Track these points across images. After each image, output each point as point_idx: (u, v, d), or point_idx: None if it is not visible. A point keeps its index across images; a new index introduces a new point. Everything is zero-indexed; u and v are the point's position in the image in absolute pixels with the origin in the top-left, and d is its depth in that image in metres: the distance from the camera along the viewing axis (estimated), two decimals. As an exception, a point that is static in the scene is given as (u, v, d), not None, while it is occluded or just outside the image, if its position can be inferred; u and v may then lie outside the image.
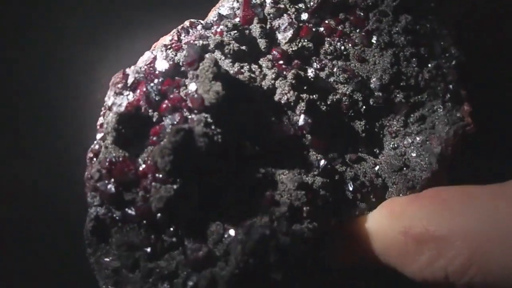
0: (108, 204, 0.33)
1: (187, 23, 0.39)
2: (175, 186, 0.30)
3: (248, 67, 0.36)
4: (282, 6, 0.40)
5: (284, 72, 0.37)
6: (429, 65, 0.41)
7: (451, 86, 0.41)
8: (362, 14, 0.41)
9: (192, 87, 0.33)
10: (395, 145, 0.41)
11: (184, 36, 0.39)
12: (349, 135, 0.40)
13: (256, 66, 0.37)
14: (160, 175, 0.30)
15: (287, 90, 0.36)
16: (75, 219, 0.46)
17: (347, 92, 0.39)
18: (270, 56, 0.38)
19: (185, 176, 0.30)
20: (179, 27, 0.39)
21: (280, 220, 0.31)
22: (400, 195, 0.38)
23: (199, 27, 0.39)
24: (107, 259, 0.33)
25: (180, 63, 0.36)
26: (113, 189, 0.32)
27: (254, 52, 0.38)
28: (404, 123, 0.41)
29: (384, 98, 0.40)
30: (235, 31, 0.37)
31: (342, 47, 0.41)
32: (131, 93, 0.35)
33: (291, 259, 0.31)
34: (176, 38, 0.38)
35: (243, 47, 0.37)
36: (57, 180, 0.49)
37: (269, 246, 0.30)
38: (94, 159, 0.35)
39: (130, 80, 0.35)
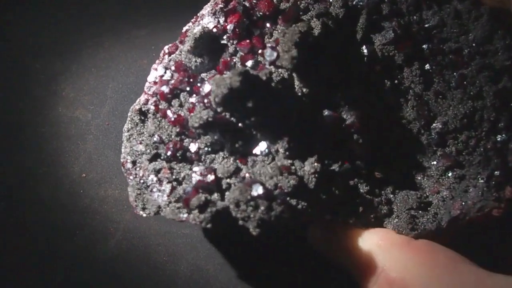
0: (158, 98, 0.39)
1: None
2: (212, 114, 0.35)
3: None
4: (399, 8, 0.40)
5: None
6: (499, 137, 0.39)
7: (506, 169, 0.39)
8: (469, 53, 0.39)
9: (275, 41, 0.37)
10: (421, 185, 0.40)
11: None
12: (387, 155, 0.40)
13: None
14: (207, 100, 0.36)
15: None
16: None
17: (410, 117, 0.40)
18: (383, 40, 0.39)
19: (229, 112, 0.35)
20: None
21: (281, 193, 0.34)
22: (397, 230, 0.38)
23: None
24: (135, 141, 0.39)
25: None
26: (167, 90, 0.39)
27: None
28: (442, 172, 0.40)
29: (436, 142, 0.40)
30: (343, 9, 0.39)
31: (429, 76, 0.40)
32: (223, 18, 0.39)
33: (272, 223, 0.34)
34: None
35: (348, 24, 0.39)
36: (18, 194, 0.48)
37: (259, 204, 0.33)
38: (166, 56, 0.40)
39: (229, 7, 0.39)
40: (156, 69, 0.40)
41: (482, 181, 0.39)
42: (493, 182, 0.38)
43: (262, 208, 0.33)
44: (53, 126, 0.51)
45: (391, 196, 0.39)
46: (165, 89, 0.38)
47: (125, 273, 0.45)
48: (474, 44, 0.39)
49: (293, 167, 0.36)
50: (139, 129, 0.40)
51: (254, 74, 0.35)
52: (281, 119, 0.37)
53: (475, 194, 0.38)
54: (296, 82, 0.37)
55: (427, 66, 0.39)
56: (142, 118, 0.40)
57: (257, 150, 0.37)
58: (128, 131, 0.40)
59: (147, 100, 0.40)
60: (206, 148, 0.37)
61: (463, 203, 0.38)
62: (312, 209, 0.35)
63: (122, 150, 0.40)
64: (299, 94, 0.37)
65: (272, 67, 0.36)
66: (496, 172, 0.38)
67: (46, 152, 0.50)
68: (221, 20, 0.38)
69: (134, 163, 0.38)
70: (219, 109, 0.35)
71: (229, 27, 0.38)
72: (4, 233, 0.46)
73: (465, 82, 0.39)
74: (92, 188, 0.48)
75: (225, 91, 0.33)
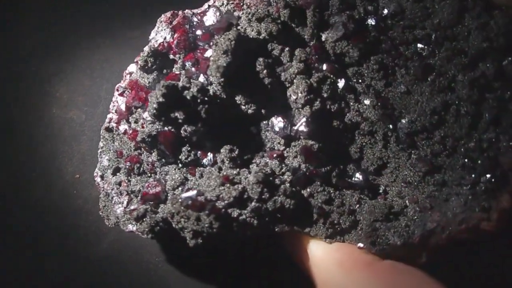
0: (118, 115, 0.41)
1: None
2: (156, 127, 0.37)
3: (279, 50, 0.37)
4: (351, 1, 0.37)
5: (313, 71, 0.37)
6: (484, 135, 0.33)
7: (498, 172, 0.32)
8: (436, 39, 0.34)
9: (209, 52, 0.38)
10: (393, 193, 0.36)
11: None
12: (352, 160, 0.37)
13: (288, 53, 0.37)
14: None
15: (300, 90, 0.35)
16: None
17: (371, 118, 0.36)
18: (307, 49, 0.37)
19: (168, 121, 0.36)
20: None
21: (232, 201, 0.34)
22: (360, 244, 0.34)
23: None
24: (104, 155, 0.41)
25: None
26: (124, 107, 0.41)
27: (295, 38, 0.38)
28: (420, 178, 0.35)
29: (405, 144, 0.35)
30: (288, 9, 0.37)
31: (390, 69, 0.36)
32: (170, 34, 0.40)
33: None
34: None
35: (287, 25, 0.37)
36: (11, 195, 0.49)
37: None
38: (128, 75, 0.42)
39: (175, 22, 0.40)
40: (117, 89, 0.42)
41: (466, 187, 0.33)
42: (481, 189, 0.32)
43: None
44: (47, 127, 0.51)
45: (357, 206, 0.35)
46: (122, 107, 0.41)
47: (118, 273, 0.46)
48: (440, 28, 0.33)
49: (238, 177, 0.35)
50: (108, 145, 0.42)
51: (181, 86, 0.36)
52: (221, 129, 0.37)
53: (457, 204, 0.32)
54: (230, 90, 0.37)
55: (389, 60, 0.35)
56: (110, 135, 0.42)
57: (205, 161, 0.37)
58: (101, 148, 0.42)
59: (111, 119, 0.42)
60: (159, 162, 0.38)
61: (442, 214, 0.32)
62: (258, 220, 0.34)
63: (96, 166, 0.42)
64: (239, 103, 0.37)
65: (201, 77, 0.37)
66: (483, 177, 0.32)
67: (40, 153, 0.50)
68: (168, 36, 0.40)
69: (102, 177, 0.41)
70: (158, 123, 0.37)
71: (175, 42, 0.39)
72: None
73: (434, 73, 0.34)
74: (85, 189, 0.49)
75: (155, 106, 0.35)
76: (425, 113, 0.34)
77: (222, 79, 0.36)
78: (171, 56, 0.40)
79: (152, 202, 0.37)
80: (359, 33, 0.36)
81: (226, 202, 0.34)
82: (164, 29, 0.40)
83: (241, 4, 0.39)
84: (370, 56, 0.36)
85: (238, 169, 0.36)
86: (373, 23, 0.36)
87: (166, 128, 0.37)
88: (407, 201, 0.34)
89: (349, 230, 0.35)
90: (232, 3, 0.39)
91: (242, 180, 0.35)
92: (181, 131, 0.36)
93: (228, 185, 0.34)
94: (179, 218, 0.34)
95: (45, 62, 0.53)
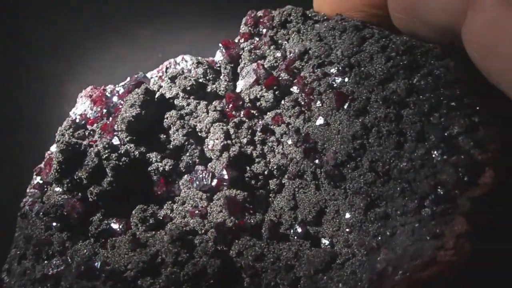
0: (31, 198, 0.38)
1: (177, 59, 0.41)
2: (63, 197, 0.35)
3: (193, 105, 0.37)
4: (259, 52, 0.37)
5: (230, 118, 0.36)
6: (414, 153, 0.29)
7: (440, 191, 0.28)
8: (343, 68, 0.33)
9: (122, 110, 0.36)
10: (340, 244, 0.31)
11: (171, 67, 0.40)
12: (287, 210, 0.34)
13: (204, 105, 0.37)
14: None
15: (217, 136, 0.35)
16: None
17: (296, 158, 0.34)
18: (224, 100, 0.37)
19: (73, 186, 0.34)
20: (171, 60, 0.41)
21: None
22: None
23: (185, 58, 0.40)
24: (14, 244, 0.37)
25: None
26: (38, 186, 0.38)
27: (211, 92, 0.38)
28: (362, 216, 0.30)
29: (338, 177, 0.32)
30: (200, 67, 0.38)
31: (306, 106, 0.35)
32: (90, 105, 0.40)
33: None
34: (163, 69, 0.41)
35: (201, 82, 0.38)
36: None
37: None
38: (48, 155, 0.40)
39: (94, 95, 0.40)
40: (35, 170, 0.40)
41: (410, 215, 0.28)
42: (427, 214, 0.28)
43: None
44: (59, 125, 0.51)
45: (295, 260, 0.30)
46: (37, 185, 0.38)
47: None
48: (344, 58, 0.33)
49: (151, 240, 0.32)
50: (22, 232, 0.38)
51: (85, 144, 0.35)
52: (134, 189, 0.35)
53: (405, 235, 0.27)
54: (143, 147, 0.35)
55: (303, 97, 0.35)
56: (25, 221, 0.38)
57: (117, 229, 0.34)
58: (14, 238, 0.38)
59: (25, 202, 0.38)
60: (70, 240, 0.34)
61: (391, 251, 0.27)
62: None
63: None
64: (152, 160, 0.35)
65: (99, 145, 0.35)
66: (426, 200, 0.28)
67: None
68: (88, 108, 0.40)
69: (8, 270, 0.38)
70: (63, 190, 0.35)
71: (93, 113, 0.39)
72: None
73: (348, 99, 0.32)
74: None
75: (55, 166, 0.34)
76: (346, 141, 0.31)
77: (128, 134, 0.35)
78: (89, 127, 0.39)
79: (49, 284, 0.33)
80: (270, 77, 0.36)
81: (134, 271, 0.30)
82: (84, 103, 0.40)
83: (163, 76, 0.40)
84: (284, 97, 0.36)
85: (153, 232, 0.32)
86: (283, 67, 0.36)
87: (73, 198, 0.34)
88: (355, 249, 0.30)
89: None
90: (156, 76, 0.40)
91: (157, 243, 0.31)
92: (88, 194, 0.34)
93: (139, 250, 0.31)
94: None
95: (56, 61, 0.54)
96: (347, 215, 0.31)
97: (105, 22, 0.56)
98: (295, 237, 0.32)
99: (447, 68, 0.30)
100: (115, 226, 0.34)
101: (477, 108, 0.29)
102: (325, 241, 0.32)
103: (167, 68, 0.40)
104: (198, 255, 0.30)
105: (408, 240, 0.27)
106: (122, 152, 0.35)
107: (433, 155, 0.28)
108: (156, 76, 0.40)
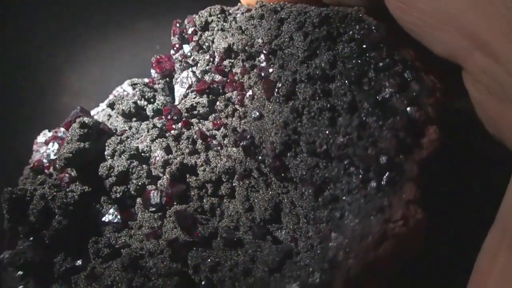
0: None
1: (123, 85, 0.41)
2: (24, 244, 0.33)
3: (135, 127, 0.37)
4: (190, 60, 0.38)
5: (170, 132, 0.36)
6: (350, 125, 0.27)
7: (382, 159, 0.25)
8: (266, 60, 0.32)
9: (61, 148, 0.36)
10: (303, 242, 0.28)
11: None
12: (242, 213, 0.32)
13: (145, 125, 0.37)
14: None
15: (158, 153, 0.34)
16: None
17: (239, 158, 0.32)
18: (163, 117, 0.37)
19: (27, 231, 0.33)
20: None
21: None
22: None
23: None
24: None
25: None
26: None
27: (152, 109, 0.38)
28: (314, 204, 0.28)
29: (281, 168, 0.30)
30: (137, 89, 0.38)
31: (239, 102, 0.34)
32: (47, 149, 0.39)
33: None
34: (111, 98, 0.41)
35: (139, 103, 0.38)
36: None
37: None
38: None
39: (48, 139, 0.40)
40: None
41: (355, 192, 0.26)
42: (372, 188, 0.25)
43: None
44: (58, 114, 0.52)
45: (251, 264, 0.28)
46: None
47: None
48: (265, 44, 0.32)
49: (107, 271, 0.31)
50: None
51: (31, 189, 0.34)
52: (87, 222, 0.34)
53: (353, 215, 0.25)
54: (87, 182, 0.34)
55: (235, 95, 0.34)
56: None
57: (78, 265, 0.33)
58: None
59: None
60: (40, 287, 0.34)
61: (340, 234, 0.25)
62: None
63: None
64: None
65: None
66: (370, 173, 0.26)
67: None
68: (45, 154, 0.39)
69: None
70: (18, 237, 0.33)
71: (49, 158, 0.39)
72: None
73: (276, 86, 0.31)
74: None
75: (6, 221, 0.33)
76: (280, 129, 0.30)
77: (72, 170, 0.34)
78: (47, 171, 0.38)
79: None
80: (200, 82, 0.36)
81: None
82: (38, 150, 0.40)
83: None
84: (217, 99, 0.35)
85: (110, 262, 0.32)
86: (214, 69, 0.36)
87: (32, 243, 0.33)
88: (313, 239, 0.27)
89: None
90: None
91: (111, 273, 0.30)
92: (44, 236, 0.33)
93: (94, 284, 0.30)
94: None
95: (56, 51, 0.54)
96: (302, 204, 0.29)
97: (105, 14, 0.56)
98: (254, 239, 0.30)
99: (369, 30, 0.28)
100: (77, 263, 0.33)
101: (408, 63, 0.27)
102: (286, 237, 0.30)
103: (114, 96, 0.40)
104: (154, 277, 0.29)
105: (355, 219, 0.25)
106: (68, 190, 0.34)
107: (369, 123, 0.26)
108: (106, 106, 0.40)
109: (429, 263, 0.27)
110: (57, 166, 0.35)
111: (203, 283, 0.28)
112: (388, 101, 0.26)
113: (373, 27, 0.28)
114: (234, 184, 0.33)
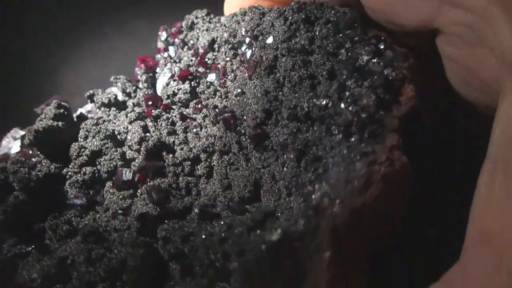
0: None
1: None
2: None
3: (113, 114, 0.37)
4: (175, 57, 0.39)
5: (152, 116, 0.35)
6: (330, 89, 0.28)
7: (363, 114, 0.26)
8: (248, 45, 0.34)
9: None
10: (284, 215, 0.26)
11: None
12: (220, 192, 0.31)
13: (124, 113, 0.36)
14: None
15: (134, 131, 0.33)
16: None
17: (219, 134, 0.32)
18: (143, 104, 0.37)
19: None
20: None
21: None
22: None
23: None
24: None
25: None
26: None
27: (132, 103, 0.38)
28: (297, 169, 0.28)
29: (261, 137, 0.30)
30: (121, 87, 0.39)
31: (221, 85, 0.34)
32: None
33: None
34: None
35: (119, 98, 0.38)
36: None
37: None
38: None
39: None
40: None
41: (339, 147, 0.26)
42: (356, 139, 0.25)
43: None
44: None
45: (228, 233, 0.25)
46: None
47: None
48: (247, 32, 0.34)
49: (63, 247, 0.28)
50: None
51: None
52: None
53: (337, 165, 0.25)
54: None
55: (218, 78, 0.35)
56: None
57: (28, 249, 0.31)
58: None
59: None
60: None
61: (324, 182, 0.24)
62: None
63: None
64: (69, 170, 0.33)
65: None
66: (352, 129, 0.26)
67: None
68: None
69: None
70: None
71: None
72: None
73: (255, 61, 0.32)
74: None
75: None
76: (261, 97, 0.30)
77: (41, 148, 0.33)
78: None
79: None
80: (184, 70, 0.36)
81: (39, 281, 0.26)
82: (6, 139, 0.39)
83: None
84: (199, 85, 0.36)
85: (67, 239, 0.29)
86: (197, 62, 0.36)
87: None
88: (297, 201, 0.26)
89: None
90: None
91: (68, 247, 0.28)
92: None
93: (46, 257, 0.27)
94: None
95: (52, 50, 0.54)
96: (283, 176, 0.28)
97: (101, 12, 0.56)
98: (232, 214, 0.28)
99: (344, 13, 0.30)
100: (28, 248, 0.30)
101: (381, 38, 0.29)
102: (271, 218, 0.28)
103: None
104: (117, 250, 0.26)
105: (340, 167, 0.24)
106: (32, 165, 0.32)
107: (348, 86, 0.27)
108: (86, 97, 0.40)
109: (416, 244, 0.27)
110: (25, 142, 0.33)
111: (172, 251, 0.26)
112: (365, 66, 0.27)
113: (347, 12, 0.30)
114: (213, 164, 0.32)
